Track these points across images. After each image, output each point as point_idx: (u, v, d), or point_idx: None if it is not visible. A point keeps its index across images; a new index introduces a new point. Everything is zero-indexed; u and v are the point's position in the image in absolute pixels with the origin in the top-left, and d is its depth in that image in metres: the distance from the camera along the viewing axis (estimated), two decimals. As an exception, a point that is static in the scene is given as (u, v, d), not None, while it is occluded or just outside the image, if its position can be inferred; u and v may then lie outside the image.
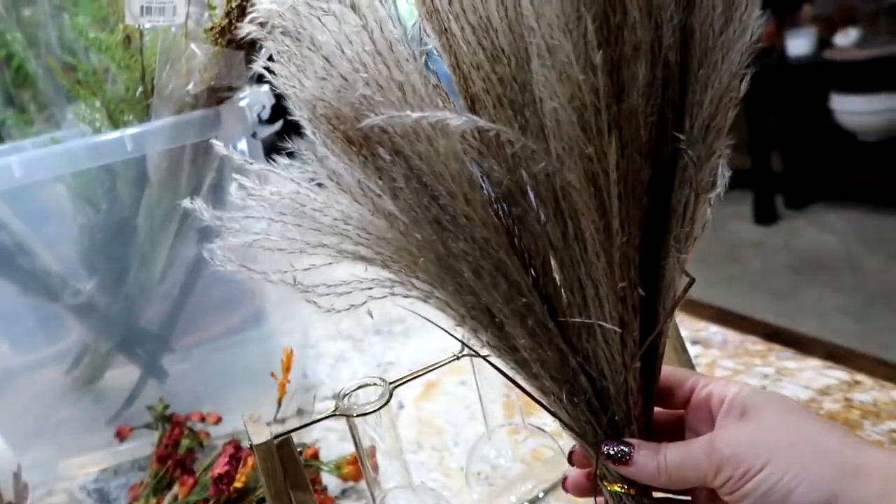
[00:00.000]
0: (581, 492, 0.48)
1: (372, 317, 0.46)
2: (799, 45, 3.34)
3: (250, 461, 0.67)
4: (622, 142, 0.35)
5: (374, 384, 0.52)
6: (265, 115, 0.90)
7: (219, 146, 0.45)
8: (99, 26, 0.86)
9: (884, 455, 0.36)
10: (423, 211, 0.40)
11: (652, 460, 0.41)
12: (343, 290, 0.45)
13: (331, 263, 0.45)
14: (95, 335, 0.93)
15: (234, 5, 0.67)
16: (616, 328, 0.40)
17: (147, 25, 0.70)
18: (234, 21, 0.67)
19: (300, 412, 0.87)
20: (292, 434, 0.49)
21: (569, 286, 0.41)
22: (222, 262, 0.44)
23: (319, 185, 0.43)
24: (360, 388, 0.52)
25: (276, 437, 0.48)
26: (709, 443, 0.40)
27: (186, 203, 0.45)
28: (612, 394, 0.42)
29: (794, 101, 3.49)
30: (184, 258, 0.90)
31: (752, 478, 0.37)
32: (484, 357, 0.45)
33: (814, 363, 0.79)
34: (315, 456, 0.76)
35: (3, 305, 0.90)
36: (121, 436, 0.85)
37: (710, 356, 0.84)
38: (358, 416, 0.50)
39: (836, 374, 0.76)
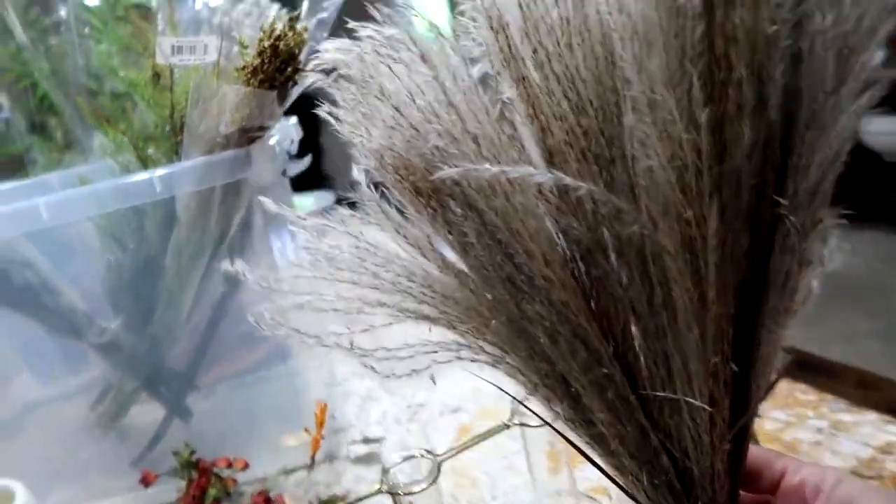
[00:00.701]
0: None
1: (435, 383, 0.42)
2: (824, 64, 3.29)
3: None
4: (723, 205, 0.32)
5: (421, 456, 0.49)
6: (294, 149, 0.88)
7: (269, 204, 0.41)
8: (123, 55, 0.84)
9: None
10: (496, 269, 0.37)
11: None
12: (405, 354, 0.41)
13: (391, 324, 0.41)
14: (120, 374, 0.90)
15: (266, 45, 0.64)
16: (705, 406, 0.36)
17: (178, 64, 0.67)
18: (266, 61, 0.64)
19: (330, 458, 0.84)
20: (320, 475, 0.46)
21: (652, 357, 0.37)
22: (272, 326, 0.41)
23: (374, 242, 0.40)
24: (406, 459, 0.49)
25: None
26: None
27: (227, 267, 0.42)
28: (696, 476, 0.38)
29: (819, 121, 3.44)
30: (210, 296, 0.87)
31: None
32: (550, 420, 0.41)
33: (871, 417, 0.74)
34: (347, 512, 0.72)
35: (25, 335, 0.87)
36: (146, 482, 0.82)
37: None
38: (406, 494, 0.47)
39: (898, 430, 0.72)
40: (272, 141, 0.72)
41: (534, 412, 0.42)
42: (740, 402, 0.38)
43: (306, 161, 0.83)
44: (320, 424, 0.71)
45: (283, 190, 0.88)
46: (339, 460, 0.83)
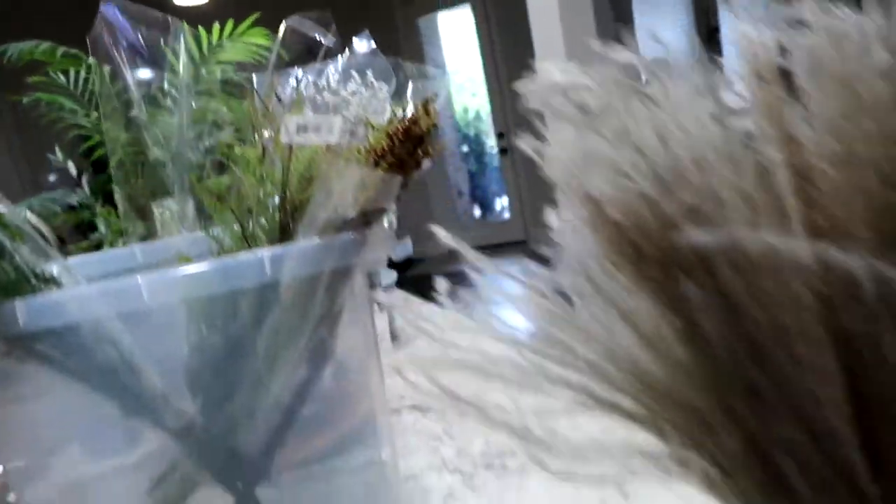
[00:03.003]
0: None
1: (625, 496, 0.31)
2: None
3: None
4: None
5: None
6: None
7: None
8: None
9: None
10: (734, 373, 0.27)
11: None
12: (593, 455, 0.31)
13: (573, 412, 0.31)
14: (192, 459, 0.79)
15: (399, 127, 0.57)
16: None
17: (299, 143, 0.60)
18: (397, 143, 0.57)
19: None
20: None
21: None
22: (420, 383, 0.31)
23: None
24: None
25: None
26: None
27: (382, 297, 0.33)
28: None
29: None
30: (294, 382, 0.77)
31: None
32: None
33: None
34: None
35: (81, 409, 0.77)
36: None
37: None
38: None
39: None
40: (386, 224, 0.64)
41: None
42: None
43: (409, 246, 0.75)
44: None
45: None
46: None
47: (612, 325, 0.29)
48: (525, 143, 0.28)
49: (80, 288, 0.64)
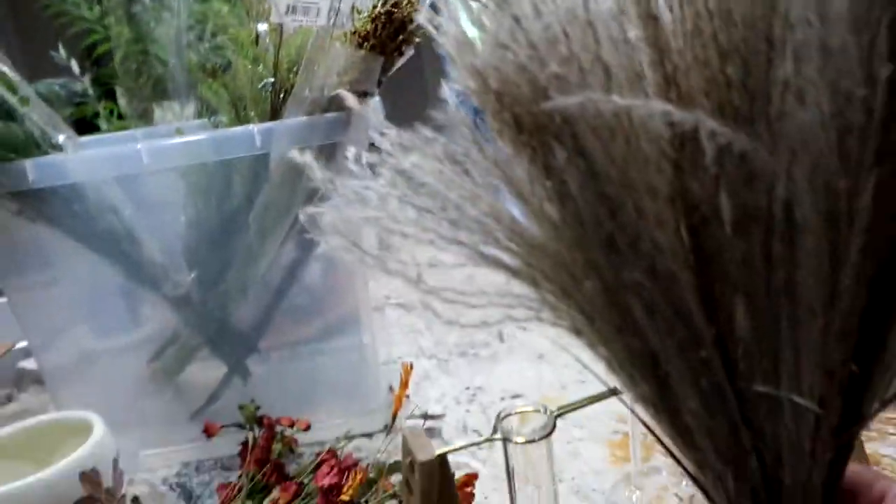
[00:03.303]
0: None
1: (503, 340, 0.35)
2: None
3: (359, 476, 0.60)
4: (880, 180, 0.25)
5: (535, 410, 0.45)
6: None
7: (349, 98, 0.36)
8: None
9: None
10: (595, 227, 0.30)
11: None
12: (477, 302, 0.35)
13: (463, 265, 0.35)
14: (188, 328, 0.85)
15: (381, 11, 0.60)
16: (814, 407, 0.30)
17: (291, 24, 0.64)
18: (380, 27, 0.60)
19: (386, 428, 0.78)
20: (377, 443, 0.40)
21: (758, 347, 0.30)
22: (329, 231, 0.33)
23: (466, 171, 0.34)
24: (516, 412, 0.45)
25: (440, 455, 0.41)
26: None
27: (296, 155, 0.36)
28: (786, 485, 0.32)
29: None
30: (284, 260, 0.83)
31: None
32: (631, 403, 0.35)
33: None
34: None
35: (88, 286, 0.83)
36: (209, 433, 0.77)
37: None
38: (526, 442, 0.43)
39: None
40: (371, 109, 0.68)
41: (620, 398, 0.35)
42: (852, 409, 0.31)
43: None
44: (404, 384, 0.67)
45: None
46: (395, 430, 0.78)
47: (496, 187, 0.32)
48: (424, 20, 0.31)
49: (84, 151, 0.69)
